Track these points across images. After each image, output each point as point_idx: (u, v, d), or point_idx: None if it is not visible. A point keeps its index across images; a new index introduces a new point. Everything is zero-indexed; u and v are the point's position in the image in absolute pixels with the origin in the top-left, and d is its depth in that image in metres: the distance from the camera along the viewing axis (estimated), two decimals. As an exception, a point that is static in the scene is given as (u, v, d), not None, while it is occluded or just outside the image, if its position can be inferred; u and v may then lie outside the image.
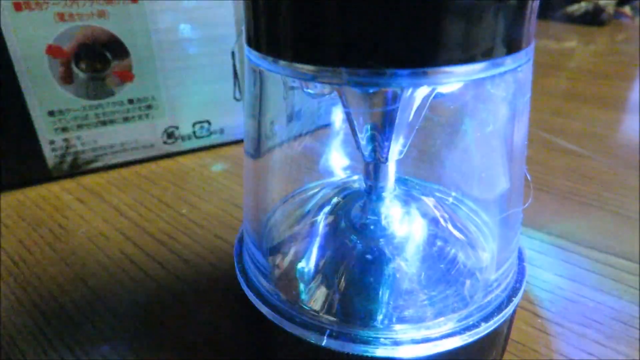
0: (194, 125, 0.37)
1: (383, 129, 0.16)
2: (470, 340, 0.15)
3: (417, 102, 0.16)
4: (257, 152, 0.18)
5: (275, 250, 0.19)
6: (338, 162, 0.22)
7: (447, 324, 0.16)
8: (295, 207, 0.21)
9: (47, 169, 0.34)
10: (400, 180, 0.22)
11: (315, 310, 0.16)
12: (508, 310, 0.16)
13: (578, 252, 0.26)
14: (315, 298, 0.17)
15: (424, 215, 0.19)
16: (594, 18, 0.81)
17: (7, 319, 0.22)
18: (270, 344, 0.18)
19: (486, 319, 0.16)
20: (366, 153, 0.17)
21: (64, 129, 0.33)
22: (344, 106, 0.16)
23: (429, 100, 0.16)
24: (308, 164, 0.22)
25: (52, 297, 0.23)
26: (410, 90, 0.15)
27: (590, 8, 0.81)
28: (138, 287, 0.24)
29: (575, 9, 0.83)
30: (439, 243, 0.18)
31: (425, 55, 0.12)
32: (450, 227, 0.18)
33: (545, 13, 0.89)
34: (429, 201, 0.19)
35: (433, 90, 0.16)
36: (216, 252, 0.27)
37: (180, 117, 0.37)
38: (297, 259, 0.18)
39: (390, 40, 0.12)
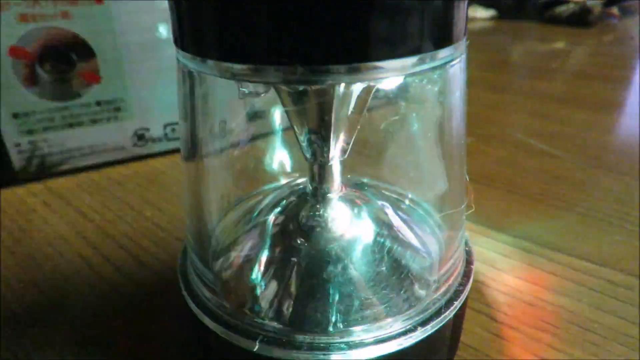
0: (165, 127, 0.37)
1: (320, 128, 0.16)
2: (406, 345, 0.15)
3: (352, 100, 0.15)
4: (192, 156, 0.17)
5: (218, 259, 0.18)
6: (285, 165, 0.21)
7: (383, 329, 0.15)
8: (241, 213, 0.20)
9: (13, 172, 0.33)
10: (355, 183, 0.21)
11: (259, 317, 0.16)
12: (448, 314, 0.16)
13: (542, 255, 0.26)
14: (257, 304, 0.17)
15: (370, 217, 0.18)
16: (581, 19, 0.81)
17: (-46, 325, 0.22)
18: (212, 352, 0.17)
19: (423, 323, 0.15)
20: (308, 154, 0.17)
21: (30, 132, 0.33)
22: (282, 105, 0.16)
23: (368, 100, 0.16)
24: (252, 168, 0.22)
25: (3, 301, 0.23)
26: (342, 87, 0.15)
27: (577, 9, 0.81)
28: (91, 291, 0.24)
29: (562, 10, 0.83)
30: (383, 245, 0.18)
31: (354, 51, 0.12)
32: (395, 229, 0.18)
33: (531, 14, 0.89)
34: (377, 202, 0.19)
35: (370, 88, 0.15)
36: (175, 254, 0.26)
37: (150, 119, 0.36)
38: (241, 265, 0.18)
39: (319, 37, 0.12)
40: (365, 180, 0.22)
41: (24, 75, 0.31)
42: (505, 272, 0.24)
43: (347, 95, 0.15)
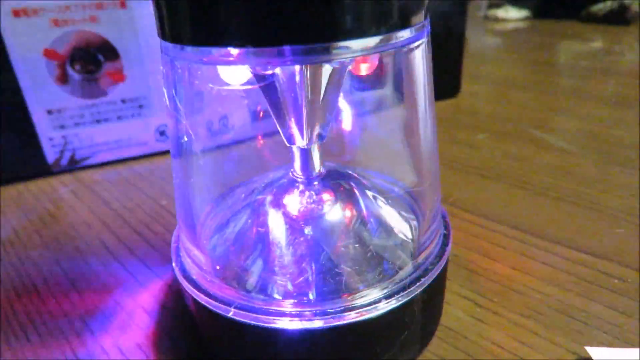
0: (185, 124, 0.39)
1: (295, 109, 0.17)
2: (372, 315, 0.16)
3: (323, 83, 0.16)
4: (178, 151, 0.19)
5: (209, 242, 0.20)
6: (270, 153, 0.22)
7: (352, 300, 0.16)
8: (230, 201, 0.22)
9: (46, 164, 0.36)
10: (338, 170, 0.22)
11: (240, 288, 0.17)
12: (414, 290, 0.16)
13: (539, 246, 0.25)
14: (239, 276, 0.18)
15: (349, 197, 0.19)
16: (618, 17, 0.78)
17: (-16, 294, 0.24)
18: (198, 320, 0.19)
19: (388, 296, 0.16)
20: (286, 138, 0.18)
21: (62, 127, 0.36)
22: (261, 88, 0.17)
23: (340, 84, 0.17)
24: (238, 159, 0.23)
25: (27, 276, 0.25)
26: (307, 68, 0.16)
27: (615, 7, 0.78)
28: (107, 272, 0.26)
29: (599, 8, 0.80)
30: (359, 223, 0.18)
31: (318, 30, 0.13)
32: (371, 208, 0.19)
33: (566, 13, 0.86)
34: (355, 184, 0.20)
35: (341, 70, 0.16)
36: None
37: (172, 116, 0.39)
38: (227, 243, 0.19)
39: (283, 17, 0.13)
40: (345, 165, 0.22)
41: (56, 75, 0.34)
42: (498, 261, 0.24)
43: (316, 77, 0.16)
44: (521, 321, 0.21)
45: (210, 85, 0.17)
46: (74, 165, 0.37)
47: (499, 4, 0.94)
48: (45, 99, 0.34)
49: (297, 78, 0.16)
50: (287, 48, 0.13)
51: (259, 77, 0.17)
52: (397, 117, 0.18)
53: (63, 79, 0.34)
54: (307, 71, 0.16)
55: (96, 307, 0.23)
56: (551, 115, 0.44)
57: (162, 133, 0.39)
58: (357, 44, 0.14)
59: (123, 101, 0.37)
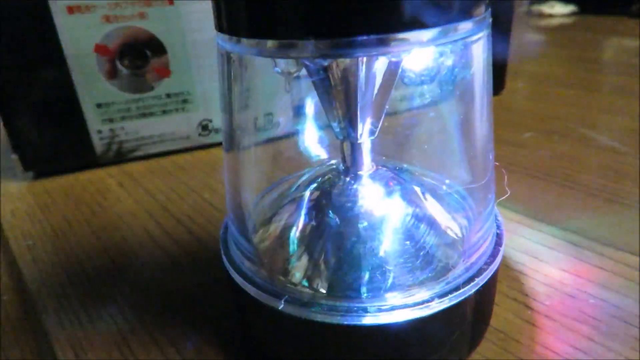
0: (227, 118, 0.40)
1: (347, 105, 0.17)
2: (424, 314, 0.15)
3: (378, 76, 0.16)
4: (230, 145, 0.19)
5: (256, 234, 0.20)
6: (317, 149, 0.22)
7: (402, 298, 0.16)
8: (279, 191, 0.22)
9: (95, 156, 0.38)
10: (386, 164, 0.22)
11: (290, 282, 0.17)
12: (467, 290, 0.16)
13: (592, 249, 0.24)
14: (289, 270, 0.18)
15: (399, 194, 0.19)
16: (673, 12, 0.74)
17: (38, 276, 0.25)
18: (247, 312, 0.19)
19: (441, 295, 0.16)
20: (337, 132, 0.18)
21: (110, 120, 0.37)
22: (313, 84, 0.17)
23: (395, 78, 0.17)
24: (288, 153, 0.23)
25: (77, 263, 0.26)
26: (363, 60, 0.15)
27: (670, 1, 0.74)
28: (152, 260, 0.26)
29: (651, 2, 0.77)
30: (409, 221, 0.18)
31: (376, 22, 0.13)
32: (423, 206, 0.19)
33: (618, 8, 0.83)
34: (406, 181, 0.19)
35: (396, 63, 0.16)
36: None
37: (214, 111, 0.39)
38: (276, 236, 0.19)
39: (342, 9, 0.12)
40: (396, 162, 0.22)
41: (105, 70, 0.35)
42: (548, 263, 0.24)
43: (372, 70, 0.16)
44: (575, 326, 0.20)
45: (279, 71, 0.16)
46: (121, 158, 0.38)
47: (543, -1, 0.91)
48: (95, 94, 0.35)
49: (352, 71, 0.16)
50: (344, 40, 0.13)
51: (312, 70, 0.16)
52: (453, 113, 0.18)
53: (112, 73, 0.35)
54: (362, 64, 0.16)
55: (144, 295, 0.24)
56: (600, 113, 0.43)
57: (204, 127, 0.39)
58: (415, 36, 0.13)
59: (168, 95, 0.37)
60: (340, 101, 0.17)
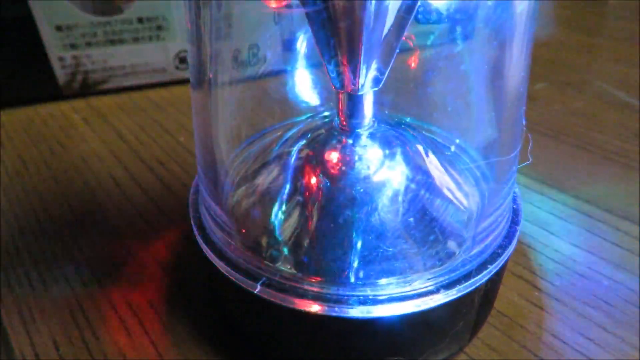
0: (208, 50, 0.35)
1: (350, 44, 0.13)
2: (425, 308, 0.13)
3: (387, 19, 0.12)
4: (200, 82, 0.15)
5: (232, 198, 0.17)
6: (309, 94, 0.19)
7: (401, 286, 0.13)
8: (260, 145, 0.18)
9: (57, 87, 0.33)
10: (392, 120, 0.19)
11: (268, 259, 0.15)
12: (479, 280, 0.14)
13: (606, 221, 0.22)
14: (268, 245, 0.15)
15: (404, 158, 0.16)
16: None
17: (-13, 230, 0.22)
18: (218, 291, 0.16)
19: (448, 286, 0.13)
20: (335, 81, 0.15)
21: (73, 46, 0.32)
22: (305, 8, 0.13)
23: (407, 23, 0.13)
24: (275, 95, 0.19)
25: (31, 210, 0.23)
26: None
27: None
28: (116, 211, 0.23)
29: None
30: (414, 192, 0.15)
31: None
32: (431, 174, 0.16)
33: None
34: (413, 143, 0.16)
35: (409, 7, 0.12)
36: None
37: (193, 41, 0.35)
38: (254, 202, 0.17)
39: None
40: (406, 119, 0.19)
41: (65, -15, 0.30)
42: (559, 236, 0.21)
43: (381, 11, 0.12)
44: (587, 312, 0.18)
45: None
46: (87, 90, 0.34)
47: None
48: (54, 14, 0.31)
49: (359, 6, 0.12)
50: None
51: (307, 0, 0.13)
52: (480, 59, 0.14)
53: (72, -10, 0.30)
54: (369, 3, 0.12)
55: (105, 254, 0.21)
56: (618, 64, 0.39)
57: (182, 60, 0.35)
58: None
59: (140, 20, 0.33)
60: (340, 40, 0.13)
